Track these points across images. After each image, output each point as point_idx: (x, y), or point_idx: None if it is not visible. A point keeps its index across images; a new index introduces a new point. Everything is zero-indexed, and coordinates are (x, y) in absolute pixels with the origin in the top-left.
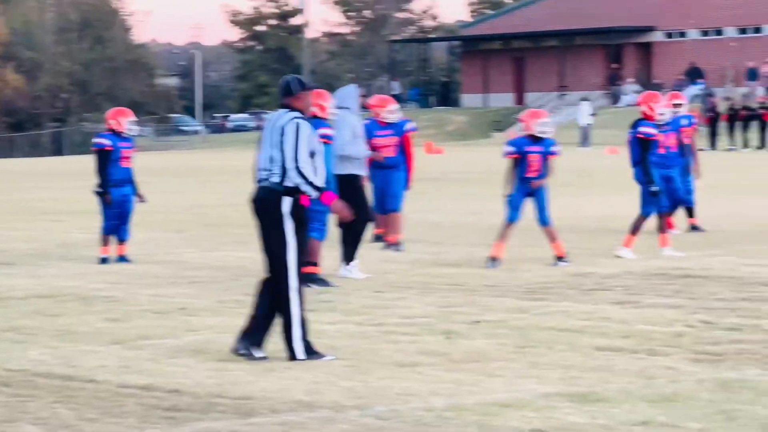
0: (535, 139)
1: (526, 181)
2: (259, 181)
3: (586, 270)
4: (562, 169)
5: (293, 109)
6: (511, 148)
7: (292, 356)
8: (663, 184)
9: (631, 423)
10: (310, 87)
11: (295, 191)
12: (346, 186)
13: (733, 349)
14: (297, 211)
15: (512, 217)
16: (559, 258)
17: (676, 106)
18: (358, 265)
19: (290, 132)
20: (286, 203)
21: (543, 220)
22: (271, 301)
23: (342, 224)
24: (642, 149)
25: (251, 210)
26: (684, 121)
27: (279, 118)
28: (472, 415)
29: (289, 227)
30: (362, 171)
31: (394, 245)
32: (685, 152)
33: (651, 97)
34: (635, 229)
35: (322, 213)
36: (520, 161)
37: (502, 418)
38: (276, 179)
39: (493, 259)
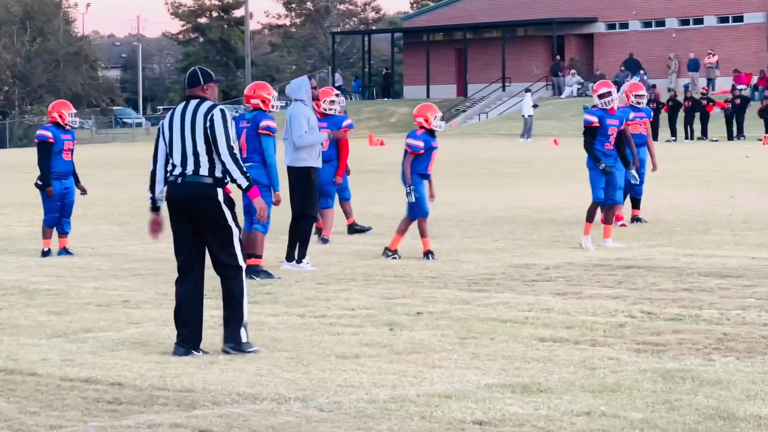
0: (433, 134)
1: (425, 175)
2: (178, 176)
3: (528, 261)
4: (505, 161)
5: (204, 100)
6: (420, 143)
7: (238, 341)
8: (602, 176)
9: (574, 413)
10: (217, 80)
11: (223, 182)
12: (300, 179)
13: (674, 339)
14: (229, 199)
15: (426, 210)
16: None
17: (638, 97)
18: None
19: (218, 119)
20: (220, 193)
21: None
22: (198, 299)
23: (292, 220)
24: (586, 136)
25: (177, 208)
26: (632, 114)
27: (196, 107)
28: (414, 406)
29: (228, 215)
30: (318, 163)
31: (326, 239)
32: (630, 144)
33: (600, 86)
34: (589, 216)
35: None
36: (423, 156)
37: (444, 409)
38: (204, 171)
39: (428, 253)
